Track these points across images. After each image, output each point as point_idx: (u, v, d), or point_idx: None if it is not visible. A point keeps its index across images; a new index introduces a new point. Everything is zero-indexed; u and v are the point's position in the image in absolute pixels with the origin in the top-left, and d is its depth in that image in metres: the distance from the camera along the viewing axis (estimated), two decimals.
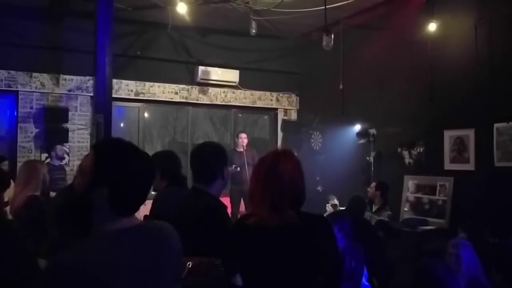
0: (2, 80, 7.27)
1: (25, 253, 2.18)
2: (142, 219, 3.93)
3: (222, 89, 8.81)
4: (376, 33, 7.31)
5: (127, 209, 1.47)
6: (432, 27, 6.24)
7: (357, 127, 7.50)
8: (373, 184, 6.29)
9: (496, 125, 5.57)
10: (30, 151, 7.34)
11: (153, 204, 3.16)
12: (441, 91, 6.25)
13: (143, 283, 1.43)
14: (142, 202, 1.51)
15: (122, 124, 8.62)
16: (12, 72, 7.31)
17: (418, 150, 6.70)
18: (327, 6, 5.77)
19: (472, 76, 5.81)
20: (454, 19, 6.17)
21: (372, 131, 7.24)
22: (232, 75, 8.68)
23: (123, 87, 8.05)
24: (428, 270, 2.36)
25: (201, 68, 8.45)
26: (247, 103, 9.09)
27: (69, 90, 7.68)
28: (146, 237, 1.49)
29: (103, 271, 1.34)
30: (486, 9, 5.79)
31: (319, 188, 7.88)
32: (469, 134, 5.95)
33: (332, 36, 6.05)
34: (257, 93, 9.12)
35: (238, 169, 7.68)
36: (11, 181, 4.22)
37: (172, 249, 1.56)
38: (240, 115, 9.43)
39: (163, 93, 8.38)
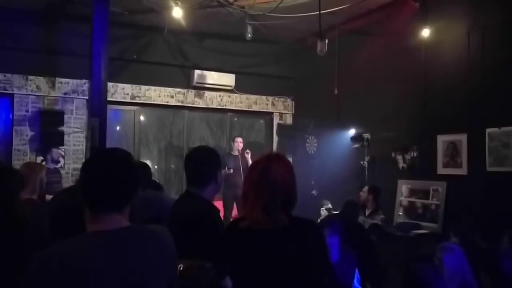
0: None
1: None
2: None
3: (218, 93, 8.85)
4: (371, 38, 7.36)
5: (96, 207, 1.52)
6: (425, 33, 6.30)
7: (352, 132, 7.56)
8: (366, 188, 6.34)
9: (488, 130, 5.61)
10: (25, 154, 7.33)
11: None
12: (435, 96, 6.30)
13: (127, 284, 1.46)
14: (112, 200, 1.54)
15: (118, 128, 8.62)
16: (8, 75, 7.31)
17: (412, 154, 6.75)
18: (321, 12, 5.81)
19: (465, 82, 5.87)
20: (447, 25, 6.23)
21: (367, 135, 7.30)
22: (228, 79, 8.71)
23: (119, 91, 8.07)
24: (415, 274, 2.39)
25: (197, 72, 8.48)
26: (242, 107, 9.12)
27: (65, 93, 7.68)
28: (132, 239, 1.52)
29: (82, 265, 1.40)
30: (479, 16, 5.85)
31: (314, 192, 7.92)
32: (462, 139, 5.99)
33: (326, 42, 6.10)
34: (253, 97, 9.16)
35: (231, 170, 7.69)
36: None
37: (163, 254, 1.57)
38: (236, 119, 9.46)
39: (159, 96, 8.40)
